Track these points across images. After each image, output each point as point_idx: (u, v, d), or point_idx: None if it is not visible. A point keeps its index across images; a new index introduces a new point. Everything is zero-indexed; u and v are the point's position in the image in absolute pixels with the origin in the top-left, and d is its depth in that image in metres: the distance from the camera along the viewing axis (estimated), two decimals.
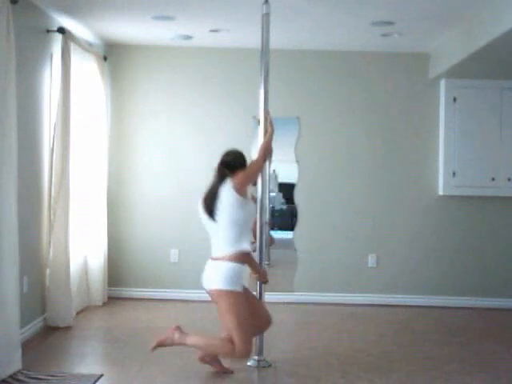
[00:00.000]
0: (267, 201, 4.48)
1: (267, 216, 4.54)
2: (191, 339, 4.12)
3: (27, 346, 4.61)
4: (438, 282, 6.57)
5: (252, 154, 5.63)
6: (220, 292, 3.98)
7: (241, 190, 4.02)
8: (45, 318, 5.22)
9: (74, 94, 5.49)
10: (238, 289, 3.98)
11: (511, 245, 6.58)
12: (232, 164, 4.11)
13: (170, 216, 6.58)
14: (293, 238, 6.68)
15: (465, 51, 5.38)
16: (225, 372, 4.19)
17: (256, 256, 4.35)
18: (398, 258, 6.60)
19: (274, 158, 4.81)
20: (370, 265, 6.60)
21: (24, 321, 4.62)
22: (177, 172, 6.59)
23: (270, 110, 4.43)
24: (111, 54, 6.53)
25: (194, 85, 6.61)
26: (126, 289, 6.57)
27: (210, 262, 4.10)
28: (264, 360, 4.38)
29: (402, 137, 6.63)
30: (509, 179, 6.39)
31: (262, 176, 4.39)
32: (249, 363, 4.37)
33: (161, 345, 4.17)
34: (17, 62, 4.25)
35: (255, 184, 4.40)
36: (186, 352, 4.55)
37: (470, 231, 6.59)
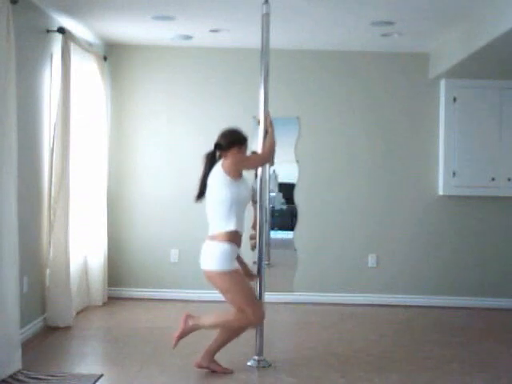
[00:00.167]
0: (267, 201, 4.48)
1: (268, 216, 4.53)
2: (205, 321, 4.16)
3: (27, 346, 4.61)
4: (438, 282, 6.57)
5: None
6: (213, 273, 4.03)
7: (230, 172, 4.04)
8: (45, 318, 5.23)
9: (73, 94, 5.49)
10: (230, 267, 4.02)
11: (511, 245, 6.58)
12: (223, 145, 4.14)
13: (170, 216, 6.58)
14: (293, 238, 6.68)
15: (465, 51, 5.38)
16: (225, 372, 4.19)
17: (255, 256, 4.37)
18: (397, 258, 6.60)
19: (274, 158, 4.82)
20: (370, 265, 6.60)
21: (24, 321, 4.62)
22: (177, 172, 6.58)
23: (270, 110, 4.43)
24: (111, 54, 6.53)
25: (194, 85, 6.61)
26: (126, 289, 6.57)
27: (206, 242, 4.12)
28: (264, 360, 4.38)
29: (402, 137, 6.63)
30: (509, 179, 6.39)
31: (262, 176, 4.40)
32: (249, 363, 4.37)
33: (180, 338, 4.19)
34: (17, 62, 4.25)
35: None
36: (186, 352, 4.56)
37: (469, 231, 6.59)
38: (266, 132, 4.35)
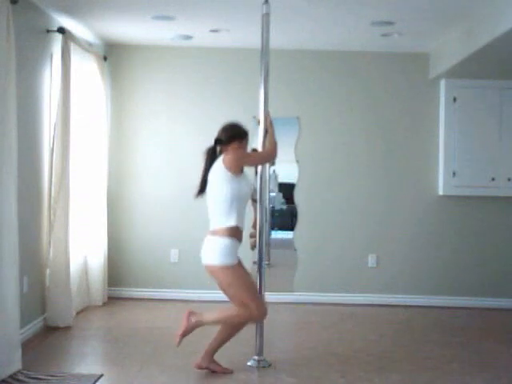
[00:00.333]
0: (267, 201, 4.48)
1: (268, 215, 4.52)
2: (208, 317, 4.15)
3: (27, 345, 4.61)
4: (438, 282, 6.57)
5: None
6: (215, 268, 4.02)
7: (231, 168, 4.04)
8: (45, 318, 5.23)
9: (73, 94, 5.49)
10: (233, 262, 4.01)
11: (511, 245, 6.58)
12: (223, 140, 4.17)
13: (170, 216, 6.58)
14: (293, 238, 6.68)
15: (465, 51, 5.38)
16: (225, 372, 4.19)
17: (255, 255, 4.37)
18: (397, 258, 6.60)
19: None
20: (370, 265, 6.60)
21: (24, 321, 4.62)
22: (177, 172, 6.58)
23: (270, 110, 4.43)
24: (111, 54, 6.53)
25: (194, 85, 6.61)
26: (126, 289, 6.57)
27: (207, 237, 4.12)
28: (264, 360, 4.38)
29: (402, 137, 6.63)
30: (509, 179, 6.39)
31: (262, 176, 4.40)
32: (249, 363, 4.37)
33: (184, 336, 4.18)
34: (17, 62, 4.25)
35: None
36: (186, 352, 4.55)
37: (469, 231, 6.59)
38: (266, 132, 4.36)
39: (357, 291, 6.57)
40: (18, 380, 3.92)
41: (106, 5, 5.10)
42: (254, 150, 4.55)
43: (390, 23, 5.43)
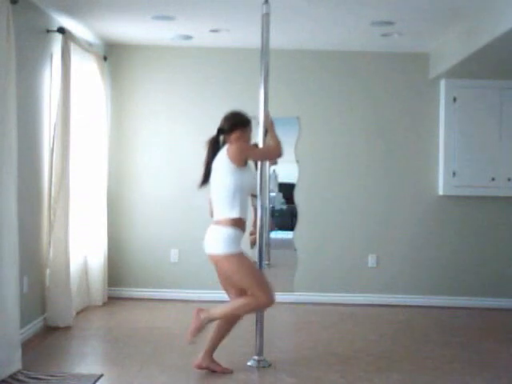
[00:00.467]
0: (267, 201, 4.48)
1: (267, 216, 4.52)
2: (217, 311, 4.12)
3: (27, 345, 4.61)
4: (438, 282, 6.57)
5: None
6: (219, 257, 4.01)
7: (235, 160, 4.03)
8: (45, 318, 5.22)
9: (73, 94, 5.49)
10: (236, 250, 4.00)
11: (511, 245, 6.58)
12: (225, 129, 4.19)
13: (170, 216, 6.58)
14: (293, 238, 6.68)
15: (465, 51, 5.38)
16: (224, 372, 4.19)
17: (255, 255, 4.37)
18: (397, 258, 6.60)
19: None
20: (370, 265, 6.60)
21: (24, 321, 4.62)
22: (177, 172, 6.59)
23: (270, 110, 4.42)
24: (111, 54, 6.53)
25: (194, 85, 6.61)
26: (126, 289, 6.57)
27: (210, 227, 4.12)
28: (264, 360, 4.38)
29: (402, 137, 6.63)
30: (509, 179, 6.39)
31: (262, 176, 4.40)
32: (249, 363, 4.37)
33: (195, 334, 4.15)
34: (17, 62, 4.25)
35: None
36: (186, 352, 4.56)
37: (469, 231, 6.59)
38: (266, 131, 4.35)
39: (357, 291, 6.57)
40: (18, 380, 3.92)
41: (106, 5, 5.10)
42: (256, 146, 4.53)
43: (390, 23, 5.43)
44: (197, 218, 6.50)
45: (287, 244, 6.75)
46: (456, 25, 5.42)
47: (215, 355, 4.23)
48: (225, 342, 4.31)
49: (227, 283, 4.19)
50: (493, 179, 6.38)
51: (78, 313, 5.72)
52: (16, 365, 4.06)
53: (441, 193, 6.52)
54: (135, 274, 6.57)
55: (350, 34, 5.88)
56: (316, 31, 5.83)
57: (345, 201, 6.61)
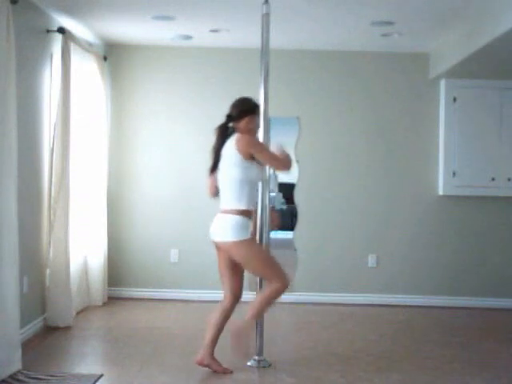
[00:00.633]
0: (267, 201, 4.47)
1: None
2: (250, 315, 4.11)
3: (27, 345, 4.61)
4: (438, 282, 6.57)
5: None
6: (228, 244, 4.03)
7: (243, 153, 4.02)
8: (45, 318, 5.22)
9: (73, 94, 5.49)
10: (245, 236, 4.02)
11: (511, 245, 6.58)
12: (234, 115, 4.19)
13: (170, 216, 6.58)
14: (293, 238, 6.68)
15: (465, 51, 5.38)
16: (225, 372, 4.18)
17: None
18: (397, 258, 6.60)
19: None
20: (370, 265, 6.60)
21: (24, 321, 4.62)
22: (177, 172, 6.59)
23: (270, 109, 4.42)
24: (111, 54, 6.53)
25: (194, 85, 6.61)
26: (126, 289, 6.57)
27: (218, 215, 4.15)
28: (264, 360, 4.38)
29: (402, 137, 6.63)
30: (509, 179, 6.39)
31: (262, 176, 4.39)
32: (249, 363, 4.37)
33: (245, 351, 4.19)
34: (17, 62, 4.25)
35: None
36: (186, 352, 4.56)
37: (469, 231, 6.59)
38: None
39: (357, 291, 6.57)
40: (18, 380, 3.92)
41: (106, 5, 5.10)
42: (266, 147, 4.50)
43: (390, 23, 5.43)
44: (197, 218, 6.51)
45: (287, 244, 6.75)
46: (456, 25, 5.42)
47: (215, 355, 4.23)
48: (225, 342, 4.31)
49: (227, 271, 4.20)
50: (493, 179, 6.38)
51: (78, 313, 5.72)
52: (16, 365, 4.05)
53: (441, 193, 6.52)
54: (135, 274, 6.57)
55: (350, 34, 5.88)
56: (316, 31, 5.83)
57: (345, 201, 6.61)
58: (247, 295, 4.42)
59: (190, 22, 5.63)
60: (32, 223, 4.98)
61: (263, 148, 4.15)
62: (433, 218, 6.59)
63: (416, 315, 6.18)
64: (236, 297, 4.24)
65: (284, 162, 4.16)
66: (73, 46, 5.40)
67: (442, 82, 6.49)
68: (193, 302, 6.38)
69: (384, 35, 5.84)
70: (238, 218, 4.03)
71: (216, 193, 4.28)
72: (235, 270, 4.21)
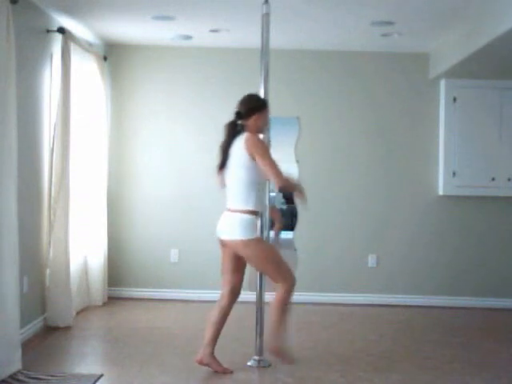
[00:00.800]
0: (267, 201, 4.47)
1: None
2: (274, 325, 4.13)
3: (27, 345, 4.61)
4: (438, 282, 6.57)
5: None
6: (237, 242, 4.03)
7: (251, 153, 4.01)
8: (45, 318, 5.22)
9: (73, 94, 5.49)
10: (254, 235, 4.03)
11: (511, 245, 6.58)
12: (242, 113, 4.16)
13: (170, 216, 6.58)
14: (293, 238, 6.67)
15: (465, 51, 5.38)
16: (225, 372, 4.18)
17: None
18: (397, 258, 6.60)
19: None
20: (370, 265, 6.60)
21: (24, 321, 4.62)
22: (177, 172, 6.59)
23: (270, 109, 4.41)
24: (111, 54, 6.53)
25: (194, 85, 6.61)
26: (126, 289, 6.57)
27: (225, 213, 4.14)
28: (264, 360, 4.38)
29: (402, 137, 6.63)
30: (509, 179, 6.39)
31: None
32: (249, 363, 4.37)
33: (289, 360, 4.23)
34: (17, 62, 4.25)
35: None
36: (186, 352, 4.56)
37: (469, 231, 6.59)
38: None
39: (357, 291, 6.57)
40: (18, 380, 3.92)
41: (106, 5, 5.10)
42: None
43: (390, 23, 5.43)
44: (197, 218, 6.52)
45: (287, 244, 6.75)
46: (456, 25, 5.42)
47: (216, 355, 4.23)
48: (225, 342, 4.32)
49: (230, 268, 4.20)
50: (493, 179, 6.39)
51: (77, 313, 5.72)
52: (16, 365, 4.05)
53: (441, 193, 6.52)
54: (135, 274, 6.57)
55: (350, 34, 5.88)
56: (316, 31, 5.83)
57: (345, 201, 6.61)
58: (246, 295, 4.42)
59: (190, 22, 5.63)
60: (32, 223, 4.98)
61: (266, 153, 4.01)
62: (433, 218, 6.59)
63: (416, 315, 6.18)
64: (234, 294, 4.25)
65: (282, 179, 3.96)
66: (73, 46, 5.40)
67: (442, 82, 6.49)
68: (193, 301, 6.38)
69: (384, 35, 5.84)
70: (246, 216, 4.03)
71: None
72: (238, 267, 4.23)
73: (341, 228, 6.61)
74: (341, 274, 6.59)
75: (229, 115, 6.45)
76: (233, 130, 4.15)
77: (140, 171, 6.60)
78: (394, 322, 5.86)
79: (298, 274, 6.55)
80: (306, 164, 6.59)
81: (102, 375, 4.09)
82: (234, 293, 4.25)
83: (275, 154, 4.19)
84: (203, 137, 6.59)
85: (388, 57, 6.59)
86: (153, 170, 6.60)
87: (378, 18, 5.32)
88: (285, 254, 6.83)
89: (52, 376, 4.01)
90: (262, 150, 4.01)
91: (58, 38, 5.25)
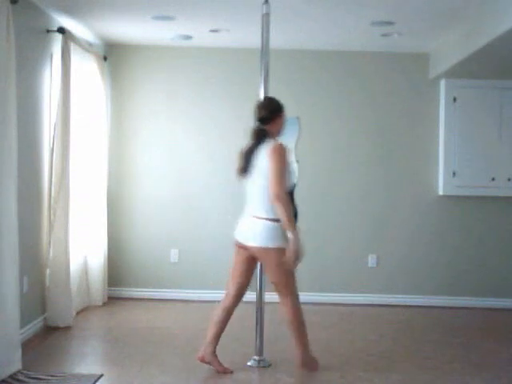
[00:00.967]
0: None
1: None
2: (297, 341, 4.20)
3: (27, 345, 4.61)
4: (438, 282, 6.57)
5: None
6: (270, 250, 4.03)
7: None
8: (45, 318, 5.22)
9: (73, 94, 5.49)
10: (282, 244, 4.03)
11: (511, 245, 6.58)
12: (266, 117, 4.14)
13: (170, 216, 6.58)
14: None
15: (465, 51, 5.38)
16: (225, 372, 4.19)
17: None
18: (397, 258, 6.60)
19: None
20: (370, 265, 6.60)
21: (24, 321, 4.62)
22: (177, 172, 6.59)
23: None
24: (111, 54, 6.53)
25: (194, 85, 6.61)
26: (126, 289, 6.57)
27: (251, 219, 4.12)
28: (264, 360, 4.38)
29: (402, 137, 6.63)
30: (509, 179, 6.39)
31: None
32: (249, 363, 4.37)
33: (313, 365, 4.28)
34: (17, 62, 4.25)
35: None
36: (186, 352, 4.56)
37: (469, 231, 6.59)
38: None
39: (357, 291, 6.57)
40: (18, 380, 3.92)
41: (106, 5, 5.10)
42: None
43: (390, 23, 5.43)
44: (197, 218, 6.52)
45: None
46: (456, 25, 5.42)
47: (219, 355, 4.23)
48: (225, 341, 4.32)
49: (243, 270, 4.22)
50: (493, 179, 6.39)
51: (77, 313, 5.72)
52: (16, 365, 4.06)
53: (441, 193, 6.52)
54: (135, 274, 6.57)
55: (350, 34, 5.88)
56: (316, 31, 5.83)
57: (345, 201, 6.61)
58: (246, 295, 4.41)
59: (190, 22, 5.63)
60: (32, 223, 4.98)
61: (280, 167, 3.97)
62: (433, 218, 6.59)
63: (416, 315, 6.18)
64: (241, 295, 4.28)
65: (282, 190, 3.96)
66: (73, 46, 5.40)
67: (442, 82, 6.49)
68: (193, 301, 6.38)
69: (384, 35, 5.84)
70: (272, 224, 4.04)
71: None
72: (249, 270, 4.26)
73: (341, 228, 6.61)
74: (341, 273, 6.59)
75: (229, 115, 6.55)
76: (261, 137, 4.12)
77: (140, 171, 6.60)
78: (394, 322, 5.86)
79: (297, 274, 6.59)
80: (306, 164, 6.59)
81: (101, 375, 4.09)
82: (241, 294, 4.27)
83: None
84: (203, 137, 6.60)
85: (388, 57, 6.59)
86: (153, 170, 6.60)
87: (378, 18, 5.32)
88: None
89: (52, 376, 4.01)
90: (276, 161, 3.97)
91: (57, 38, 5.25)
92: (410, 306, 6.45)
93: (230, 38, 6.15)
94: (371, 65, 6.61)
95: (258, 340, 4.39)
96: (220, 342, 4.25)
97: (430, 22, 5.40)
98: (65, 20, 5.43)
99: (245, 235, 4.14)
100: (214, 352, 4.21)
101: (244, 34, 5.94)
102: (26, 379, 3.93)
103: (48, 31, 5.18)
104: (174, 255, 6.59)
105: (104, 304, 6.21)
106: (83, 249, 5.97)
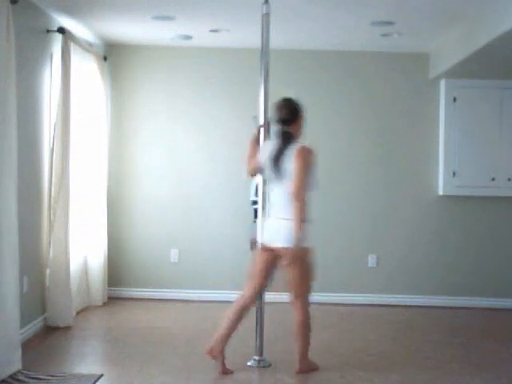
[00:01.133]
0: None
1: None
2: (303, 348, 4.22)
3: (27, 345, 4.61)
4: (438, 282, 6.57)
5: None
6: (303, 251, 4.07)
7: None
8: (45, 318, 5.22)
9: (73, 94, 5.48)
10: (309, 244, 4.09)
11: (511, 245, 6.58)
12: (289, 118, 4.18)
13: (170, 216, 6.57)
14: None
15: (465, 51, 5.38)
16: (225, 372, 4.19)
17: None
18: (397, 258, 6.60)
19: None
20: (370, 265, 6.60)
21: (24, 321, 4.62)
22: (177, 172, 6.59)
23: (270, 110, 4.42)
24: (111, 54, 6.53)
25: (194, 85, 6.61)
26: (126, 289, 6.56)
27: (277, 221, 4.13)
28: (264, 360, 4.38)
29: (402, 137, 6.63)
30: (509, 179, 6.39)
31: (262, 176, 4.39)
32: (249, 363, 4.37)
33: (312, 367, 4.30)
34: (17, 62, 4.25)
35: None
36: (185, 352, 4.56)
37: (469, 231, 6.59)
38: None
39: (357, 291, 6.57)
40: (18, 380, 3.92)
41: (106, 5, 5.10)
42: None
43: (390, 23, 5.43)
44: (197, 218, 6.52)
45: None
46: (456, 25, 5.42)
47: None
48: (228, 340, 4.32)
49: (264, 272, 4.24)
50: (493, 179, 6.39)
51: (77, 313, 5.72)
52: (16, 365, 4.06)
53: (441, 193, 6.52)
54: (135, 274, 6.57)
55: (350, 34, 5.88)
56: (316, 31, 5.83)
57: (345, 201, 6.61)
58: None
59: (190, 22, 5.63)
60: (32, 223, 4.98)
61: (304, 167, 4.04)
62: (433, 218, 6.59)
63: (416, 315, 6.18)
64: (258, 296, 4.32)
65: (299, 199, 4.00)
66: (73, 46, 5.40)
67: (442, 82, 6.49)
68: (193, 301, 6.38)
69: (384, 35, 5.84)
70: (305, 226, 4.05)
71: (255, 174, 4.35)
72: (271, 273, 4.30)
73: (341, 228, 6.61)
74: (341, 274, 6.59)
75: (229, 115, 6.55)
76: (286, 139, 4.13)
77: (140, 171, 6.60)
78: (394, 322, 5.86)
79: None
80: None
81: (101, 375, 4.09)
82: (257, 295, 4.32)
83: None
84: (203, 137, 6.59)
85: (388, 57, 6.59)
86: (153, 170, 6.60)
87: (378, 18, 5.32)
88: None
89: (52, 376, 4.01)
90: (302, 164, 4.02)
91: (57, 38, 5.25)
92: (410, 306, 6.45)
93: (230, 38, 6.15)
94: (371, 65, 6.61)
95: (258, 340, 4.39)
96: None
97: (429, 22, 5.40)
98: (65, 20, 5.43)
99: (271, 237, 4.16)
100: (223, 350, 4.21)
101: (244, 34, 5.94)
102: (26, 379, 3.94)
103: (48, 31, 5.18)
104: (173, 255, 6.59)
105: (104, 304, 6.21)
106: (83, 249, 5.97)
